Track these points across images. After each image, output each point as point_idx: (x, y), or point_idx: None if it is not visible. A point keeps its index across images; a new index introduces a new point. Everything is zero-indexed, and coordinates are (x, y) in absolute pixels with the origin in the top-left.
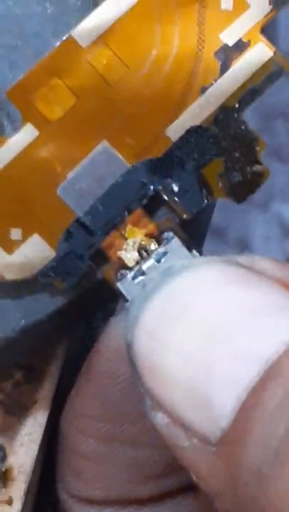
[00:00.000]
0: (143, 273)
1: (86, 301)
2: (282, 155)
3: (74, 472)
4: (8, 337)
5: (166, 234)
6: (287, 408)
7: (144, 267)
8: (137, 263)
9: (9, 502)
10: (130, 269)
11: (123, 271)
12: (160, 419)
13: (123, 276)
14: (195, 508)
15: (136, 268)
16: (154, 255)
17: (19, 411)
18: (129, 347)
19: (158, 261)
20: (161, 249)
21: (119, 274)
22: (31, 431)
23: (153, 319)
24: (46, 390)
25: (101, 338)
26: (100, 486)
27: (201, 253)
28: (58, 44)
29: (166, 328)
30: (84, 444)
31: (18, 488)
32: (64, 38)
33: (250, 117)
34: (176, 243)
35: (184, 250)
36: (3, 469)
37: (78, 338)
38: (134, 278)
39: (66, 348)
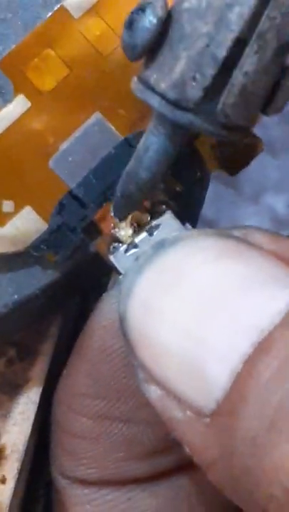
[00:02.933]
0: (136, 246)
1: (79, 275)
2: (274, 148)
3: (68, 452)
4: (1, 312)
5: (159, 207)
6: (282, 378)
7: (137, 239)
8: (130, 235)
9: (2, 481)
10: (122, 241)
11: (116, 244)
12: (153, 392)
13: (116, 249)
14: (189, 488)
15: (128, 241)
16: (146, 228)
17: (12, 389)
18: (122, 319)
19: (151, 234)
20: (154, 222)
21: (111, 247)
22: (24, 409)
23: (146, 291)
24: (39, 368)
25: (93, 315)
26: (94, 465)
27: (194, 226)
28: (49, 15)
29: (160, 300)
30: (77, 423)
31: (12, 467)
32: (56, 8)
33: None
34: (169, 216)
35: (177, 223)
36: None
37: (72, 317)
38: (126, 251)
39: (59, 326)
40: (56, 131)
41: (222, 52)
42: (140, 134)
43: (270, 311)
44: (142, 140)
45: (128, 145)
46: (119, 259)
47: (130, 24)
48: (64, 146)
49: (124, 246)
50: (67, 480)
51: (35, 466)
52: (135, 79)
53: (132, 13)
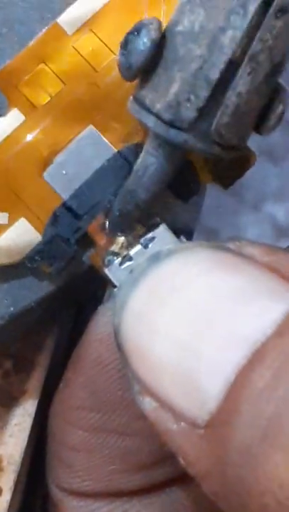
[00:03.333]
0: (130, 258)
1: (74, 287)
2: (274, 155)
3: (63, 465)
4: None
5: (153, 219)
6: (275, 387)
7: (132, 252)
8: (124, 248)
9: None
10: (117, 254)
11: (110, 256)
12: (148, 403)
13: (110, 261)
14: (185, 500)
15: (123, 253)
16: (141, 241)
17: (8, 401)
18: (116, 331)
19: (145, 246)
20: (149, 235)
21: (106, 259)
22: (20, 421)
23: (140, 303)
24: (36, 380)
25: (89, 327)
26: (89, 477)
27: (189, 239)
28: (43, 31)
29: (153, 312)
30: (73, 435)
31: (8, 479)
32: (49, 24)
33: None
34: (163, 228)
35: (172, 235)
36: None
37: (68, 329)
38: (121, 264)
39: (55, 338)
40: (50, 144)
41: (215, 74)
42: (133, 147)
43: (263, 322)
44: (140, 160)
45: (121, 158)
46: (114, 271)
47: (125, 45)
48: (58, 158)
49: (119, 259)
50: (63, 492)
51: (32, 478)
52: (131, 98)
53: (128, 34)
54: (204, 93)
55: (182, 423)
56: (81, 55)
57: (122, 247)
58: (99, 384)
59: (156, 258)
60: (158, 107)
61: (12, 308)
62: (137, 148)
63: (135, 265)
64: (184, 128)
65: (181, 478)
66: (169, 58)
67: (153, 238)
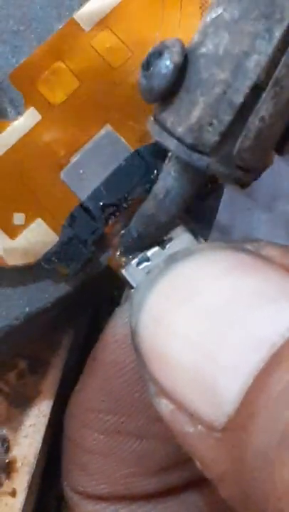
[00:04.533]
0: (148, 259)
1: (90, 288)
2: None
3: (79, 468)
4: (12, 325)
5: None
6: None
7: (149, 253)
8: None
9: (13, 494)
10: (134, 254)
11: (127, 257)
12: (164, 406)
13: (127, 262)
14: (200, 504)
15: (140, 254)
16: (159, 241)
17: (23, 402)
18: (133, 333)
19: (163, 247)
20: (167, 236)
21: (123, 260)
22: (35, 422)
23: (158, 304)
24: (50, 381)
25: (106, 329)
26: (105, 481)
27: (207, 238)
28: (60, 28)
29: (171, 314)
30: (89, 438)
31: (22, 480)
32: (66, 21)
33: None
34: (181, 229)
35: (190, 236)
36: (7, 461)
37: (83, 330)
38: (138, 264)
39: (71, 339)
40: (67, 143)
41: (239, 99)
42: (151, 147)
43: (281, 325)
44: (160, 183)
45: (139, 157)
46: (131, 272)
47: (147, 67)
48: (75, 158)
49: (136, 259)
50: (79, 496)
51: (46, 479)
52: (152, 119)
53: (150, 55)
54: (227, 117)
55: (199, 426)
56: (98, 53)
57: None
58: (115, 386)
59: (174, 259)
60: (180, 130)
61: (27, 309)
62: (154, 148)
63: (152, 266)
64: (206, 152)
65: (197, 483)
66: (191, 81)
67: (171, 239)
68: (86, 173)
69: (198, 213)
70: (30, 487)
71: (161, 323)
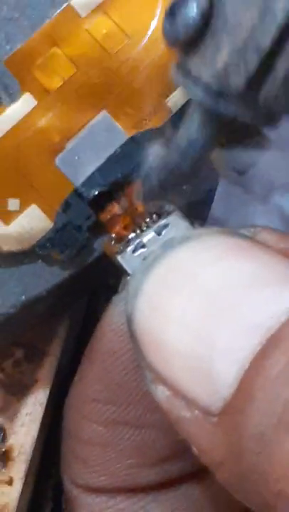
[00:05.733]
0: (143, 245)
1: (86, 275)
2: (284, 147)
3: (79, 460)
4: (9, 313)
5: (167, 206)
6: None
7: (145, 239)
8: (137, 235)
9: (10, 482)
10: (130, 241)
11: (123, 244)
12: (161, 392)
13: (123, 249)
14: (201, 496)
15: (136, 241)
16: (154, 228)
17: (20, 390)
18: (129, 319)
19: (158, 233)
20: (162, 222)
21: (119, 247)
22: (32, 410)
23: (154, 290)
24: (47, 370)
25: (103, 318)
26: (105, 472)
27: (203, 224)
28: (56, 13)
29: (167, 299)
30: (89, 429)
31: (19, 469)
32: (62, 7)
33: None
34: (177, 215)
35: (185, 222)
36: (4, 450)
37: (79, 318)
38: (134, 251)
39: (67, 327)
40: (62, 129)
41: (266, 42)
42: (146, 133)
43: (277, 309)
44: (183, 132)
45: (134, 143)
46: (127, 259)
47: (172, 12)
48: (70, 144)
49: (132, 246)
50: (79, 489)
51: (43, 467)
52: (175, 67)
53: (175, 1)
54: (254, 61)
55: (196, 411)
56: (94, 38)
57: (135, 234)
58: (113, 375)
59: (170, 245)
60: (206, 76)
61: (23, 297)
62: (151, 135)
63: (149, 252)
64: (233, 98)
65: (197, 474)
66: (217, 26)
67: (167, 225)
68: (81, 160)
69: (194, 200)
70: (27, 476)
71: (158, 308)
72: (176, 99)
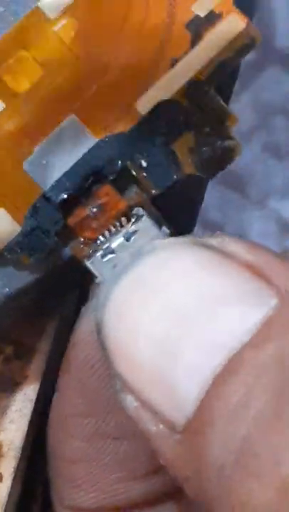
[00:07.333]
0: (112, 251)
1: (71, 270)
2: (280, 152)
3: (66, 480)
4: None
5: (135, 210)
6: (247, 407)
7: (113, 245)
8: (106, 239)
9: None
10: (99, 246)
11: (92, 249)
12: (129, 402)
13: (92, 254)
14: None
15: (105, 246)
16: (123, 233)
17: (9, 387)
18: (98, 328)
19: (127, 239)
20: (131, 227)
21: (88, 251)
22: (21, 407)
23: (122, 301)
24: (36, 366)
25: (75, 327)
26: (93, 489)
27: (170, 229)
28: (24, 15)
29: (134, 311)
30: (71, 446)
31: (9, 465)
32: (30, 8)
33: (249, 113)
34: (146, 221)
35: (154, 229)
36: None
37: (69, 314)
38: (103, 256)
39: (57, 323)
40: (31, 133)
41: None
42: (115, 136)
43: (240, 329)
44: None
45: (103, 147)
46: (96, 264)
47: None
48: (38, 148)
49: (101, 251)
50: (68, 511)
51: (33, 464)
52: None
53: None
54: None
55: (161, 425)
56: (63, 41)
57: (104, 239)
58: (89, 386)
59: (139, 254)
60: None
61: (7, 289)
62: (119, 138)
63: (117, 259)
64: None
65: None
66: None
67: (135, 231)
68: (49, 163)
69: (181, 206)
70: (16, 472)
71: (125, 319)
72: (145, 102)
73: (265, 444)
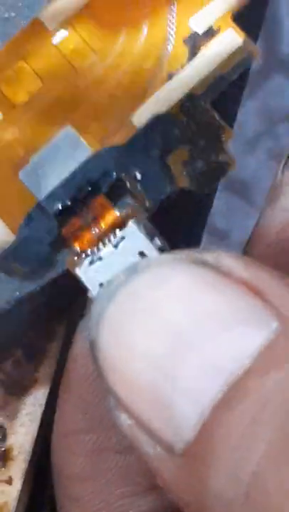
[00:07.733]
0: (100, 258)
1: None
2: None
3: (72, 500)
4: (3, 308)
5: (129, 221)
6: (256, 439)
7: (102, 252)
8: (97, 248)
9: (9, 482)
10: (88, 254)
11: (81, 257)
12: (124, 420)
13: (81, 261)
14: None
15: (94, 253)
16: (111, 240)
17: (19, 391)
18: (92, 344)
19: (116, 246)
20: (119, 234)
21: (76, 259)
22: (31, 410)
23: (117, 319)
24: (46, 370)
25: (74, 343)
26: (100, 506)
27: (163, 242)
28: (24, 26)
29: (130, 329)
30: (76, 464)
31: (19, 468)
32: (30, 20)
33: (254, 121)
34: (133, 228)
35: (143, 237)
36: (4, 449)
37: (78, 317)
38: (91, 263)
39: (67, 327)
40: (27, 143)
41: None
42: (111, 149)
43: (241, 352)
44: None
45: (98, 158)
46: (84, 272)
47: None
48: (34, 158)
49: (89, 258)
50: None
51: (42, 468)
52: None
53: None
54: None
55: (158, 448)
56: (62, 54)
57: (97, 250)
58: (89, 401)
59: (134, 271)
60: None
61: (18, 293)
62: (115, 151)
63: (105, 268)
64: None
65: None
66: None
67: (123, 238)
68: (45, 174)
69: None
70: (26, 475)
71: (121, 338)
72: (141, 115)
73: (278, 481)
